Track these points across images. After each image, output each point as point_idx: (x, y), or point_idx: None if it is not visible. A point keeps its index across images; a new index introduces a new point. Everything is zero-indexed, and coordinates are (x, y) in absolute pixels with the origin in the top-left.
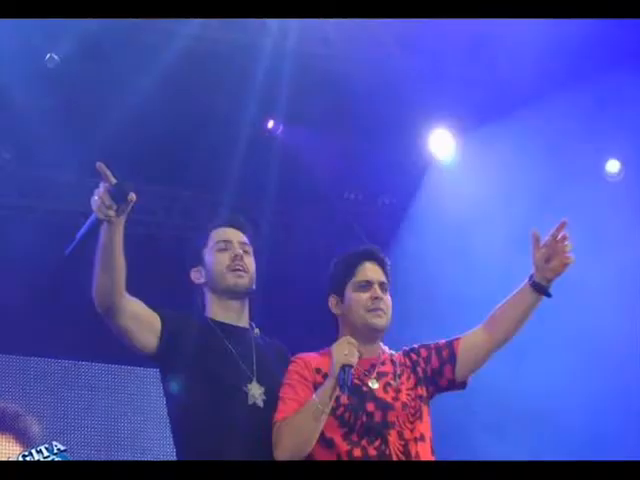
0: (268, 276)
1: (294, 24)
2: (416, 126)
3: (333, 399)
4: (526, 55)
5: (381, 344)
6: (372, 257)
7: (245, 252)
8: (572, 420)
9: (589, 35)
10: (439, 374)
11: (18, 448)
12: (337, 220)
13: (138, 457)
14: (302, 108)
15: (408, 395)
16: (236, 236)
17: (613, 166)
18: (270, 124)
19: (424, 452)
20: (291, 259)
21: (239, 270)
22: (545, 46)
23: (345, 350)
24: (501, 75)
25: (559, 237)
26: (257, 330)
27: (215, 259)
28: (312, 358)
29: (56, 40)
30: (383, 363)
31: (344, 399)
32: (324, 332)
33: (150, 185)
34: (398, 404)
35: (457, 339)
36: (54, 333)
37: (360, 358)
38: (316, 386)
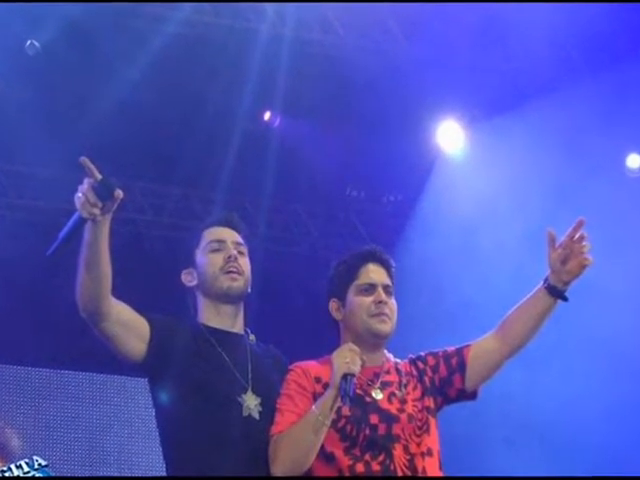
0: (265, 279)
1: (292, 8)
2: (423, 117)
3: (334, 410)
4: (541, 41)
5: (385, 352)
6: (376, 258)
7: (240, 253)
8: (590, 433)
9: (610, 20)
10: (448, 384)
11: None
12: (338, 219)
13: (125, 473)
14: (301, 99)
15: (414, 406)
16: (230, 236)
17: (634, 161)
18: (267, 116)
19: (431, 467)
20: (289, 260)
21: (233, 272)
22: (562, 32)
23: (347, 358)
24: (514, 63)
25: (576, 237)
26: (252, 336)
27: (208, 260)
28: (311, 367)
29: (37, 26)
30: (388, 372)
31: (346, 410)
32: (324, 339)
33: (138, 181)
34: (404, 416)
35: (467, 346)
36: (35, 339)
37: (363, 367)
38: (316, 396)
